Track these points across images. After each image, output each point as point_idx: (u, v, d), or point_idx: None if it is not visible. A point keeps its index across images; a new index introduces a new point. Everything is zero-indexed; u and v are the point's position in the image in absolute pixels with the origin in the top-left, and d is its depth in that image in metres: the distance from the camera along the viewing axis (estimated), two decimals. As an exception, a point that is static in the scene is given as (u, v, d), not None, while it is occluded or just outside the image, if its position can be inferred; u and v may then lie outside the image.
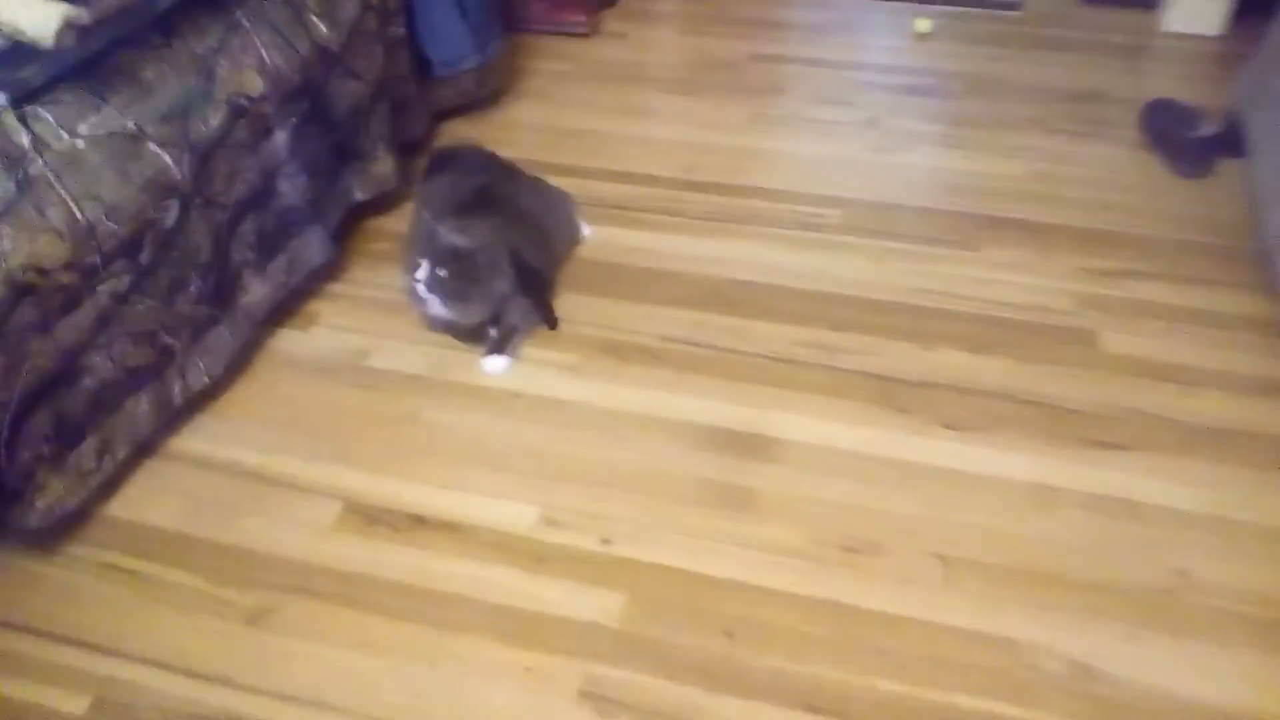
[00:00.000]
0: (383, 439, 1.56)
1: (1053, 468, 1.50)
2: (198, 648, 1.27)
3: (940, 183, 2.19)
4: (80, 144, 1.32)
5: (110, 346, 1.38)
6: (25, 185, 1.25)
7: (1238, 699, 1.20)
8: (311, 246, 1.76)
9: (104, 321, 1.36)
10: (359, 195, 1.93)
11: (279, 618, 1.31)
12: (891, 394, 1.63)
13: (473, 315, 1.67)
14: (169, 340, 1.48)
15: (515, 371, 1.69)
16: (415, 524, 1.43)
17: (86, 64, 1.36)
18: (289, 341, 1.75)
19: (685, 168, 2.25)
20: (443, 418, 1.60)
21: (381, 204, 2.04)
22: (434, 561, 1.37)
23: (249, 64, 1.59)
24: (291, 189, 1.68)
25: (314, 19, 1.74)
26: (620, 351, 1.72)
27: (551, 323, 1.76)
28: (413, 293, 1.66)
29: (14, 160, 1.25)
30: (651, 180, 2.20)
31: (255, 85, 1.59)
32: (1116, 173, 2.21)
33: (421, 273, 1.60)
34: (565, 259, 1.94)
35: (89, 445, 1.39)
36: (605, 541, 1.40)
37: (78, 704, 1.21)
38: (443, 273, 1.60)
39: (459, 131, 2.37)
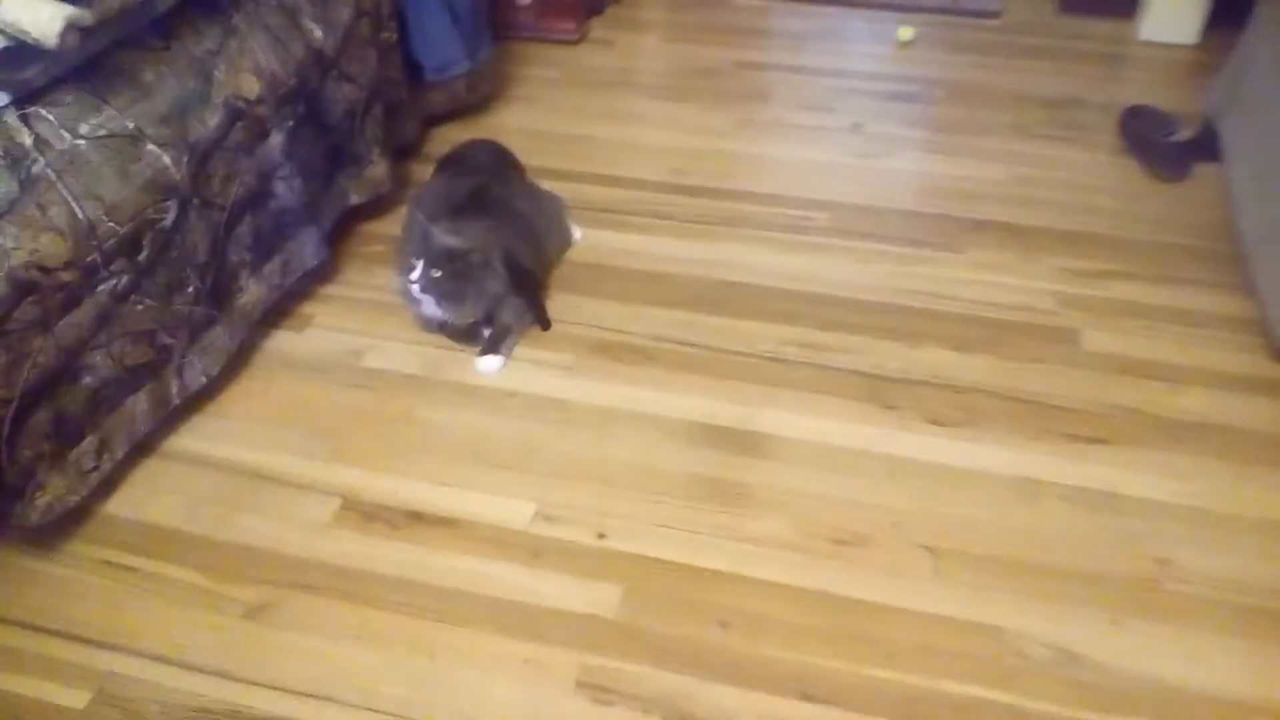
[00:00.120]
0: (379, 437, 1.58)
1: (1037, 461, 1.53)
2: (197, 642, 1.29)
3: (924, 186, 2.23)
4: (81, 144, 1.34)
5: (110, 345, 1.40)
6: (28, 184, 1.26)
7: (1219, 684, 1.23)
8: (307, 248, 1.77)
9: (104, 320, 1.38)
10: (354, 198, 1.95)
11: (278, 612, 1.32)
12: (879, 391, 1.66)
13: (466, 315, 1.69)
14: (167, 339, 1.49)
15: (509, 371, 1.71)
16: (412, 520, 1.45)
17: (87, 65, 1.38)
18: (285, 342, 1.77)
19: (674, 172, 2.28)
20: (438, 416, 1.62)
21: (375, 207, 2.07)
22: (431, 556, 1.39)
23: (246, 67, 1.61)
24: (287, 191, 1.70)
25: (309, 23, 1.76)
26: (612, 351, 1.75)
27: (544, 323, 1.78)
28: (407, 293, 1.68)
29: (16, 160, 1.26)
30: (640, 184, 2.23)
31: (252, 88, 1.61)
32: (1096, 176, 2.26)
33: (416, 273, 1.62)
34: (557, 261, 1.96)
35: (89, 443, 1.40)
36: (600, 536, 1.42)
37: (79, 698, 1.22)
38: (437, 273, 1.62)
39: (450, 136, 2.39)
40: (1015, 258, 1.98)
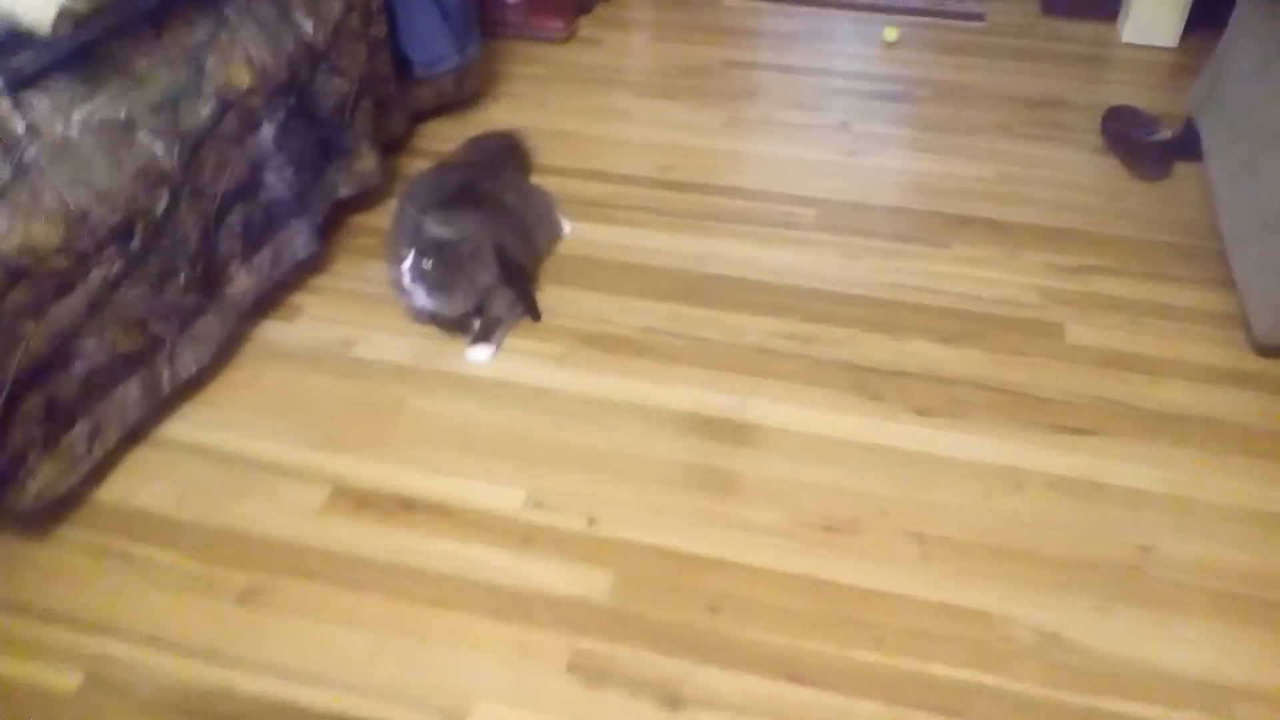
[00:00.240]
0: (369, 426, 1.59)
1: (1021, 451, 1.55)
2: (189, 625, 1.29)
3: (910, 184, 2.26)
4: (74, 132, 1.34)
5: (101, 332, 1.40)
6: (20, 171, 1.27)
7: (1202, 666, 1.25)
8: (297, 239, 1.78)
9: (95, 307, 1.38)
10: (343, 191, 1.96)
11: (270, 597, 1.33)
12: (865, 382, 1.68)
13: (457, 306, 1.70)
14: (158, 328, 1.50)
15: (499, 361, 1.72)
16: (404, 506, 1.45)
17: (80, 53, 1.38)
18: (275, 332, 1.77)
19: (661, 168, 2.29)
20: (429, 405, 1.63)
21: (364, 201, 2.07)
22: (423, 542, 1.40)
23: (237, 58, 1.61)
24: (278, 182, 1.71)
25: (300, 17, 1.77)
26: (602, 342, 1.76)
27: (535, 314, 1.79)
28: (398, 284, 1.69)
29: (9, 146, 1.26)
30: (629, 180, 2.25)
31: (243, 79, 1.61)
32: (1079, 175, 2.29)
33: (407, 263, 1.63)
34: (547, 254, 1.97)
35: (80, 430, 1.40)
36: (591, 522, 1.43)
37: (70, 680, 1.22)
38: (428, 263, 1.63)
39: (438, 131, 2.41)
40: (1000, 253, 2.01)
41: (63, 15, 1.26)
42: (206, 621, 1.29)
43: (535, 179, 2.11)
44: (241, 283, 1.67)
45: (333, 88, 1.87)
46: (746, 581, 1.35)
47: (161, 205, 1.46)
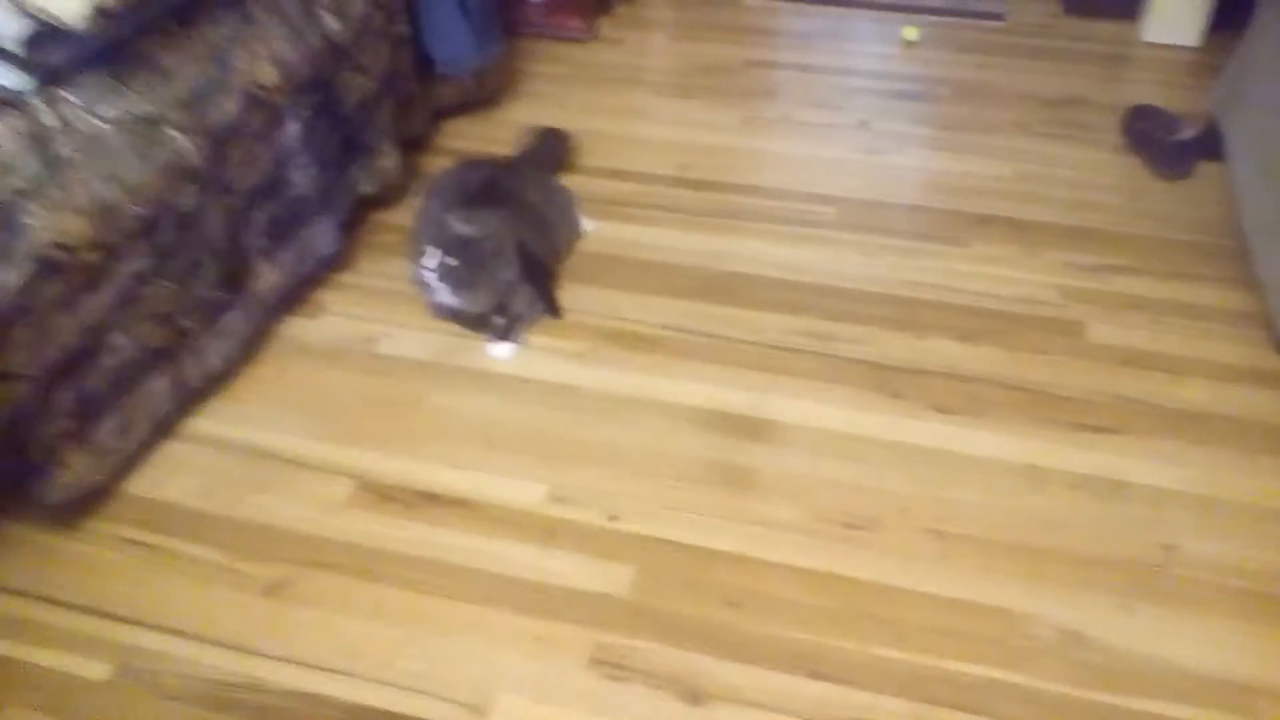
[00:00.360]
0: (393, 421, 1.60)
1: (1043, 449, 1.55)
2: (216, 617, 1.31)
3: (929, 182, 2.26)
4: (104, 127, 1.36)
5: (130, 326, 1.42)
6: (52, 166, 1.28)
7: (1224, 665, 1.25)
8: (321, 236, 1.80)
9: (125, 301, 1.40)
10: (365, 188, 1.97)
11: (295, 589, 1.34)
12: (885, 380, 1.68)
13: (479, 303, 1.71)
14: (186, 322, 1.51)
15: (520, 358, 1.73)
16: (427, 501, 1.46)
17: (109, 50, 1.40)
18: (299, 329, 1.79)
19: (682, 166, 2.30)
20: (451, 401, 1.64)
21: (385, 198, 2.09)
22: (446, 536, 1.41)
23: (263, 55, 1.63)
24: (303, 179, 1.72)
25: (325, 14, 1.79)
26: (623, 339, 1.77)
27: (556, 311, 1.80)
28: (421, 281, 1.70)
29: (42, 141, 1.28)
30: (649, 178, 2.26)
31: (269, 76, 1.63)
32: (1100, 174, 2.28)
33: (430, 260, 1.64)
34: (568, 252, 1.98)
35: (110, 424, 1.42)
36: (612, 518, 1.44)
37: (100, 670, 1.24)
38: (451, 261, 1.64)
39: (459, 130, 2.42)
40: (1020, 252, 2.01)
41: (94, 11, 1.28)
42: (232, 614, 1.31)
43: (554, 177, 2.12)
44: (267, 279, 1.68)
45: (356, 85, 1.89)
46: (767, 577, 1.36)
47: (189, 201, 1.48)
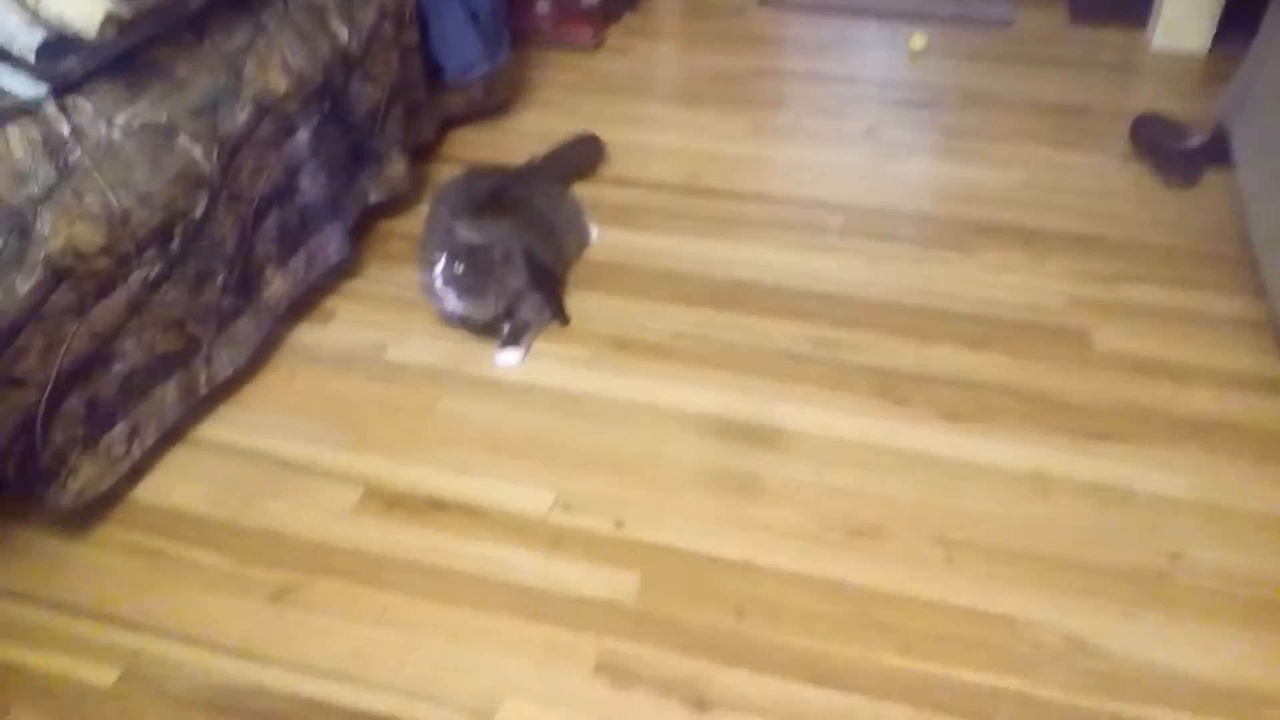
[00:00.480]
0: (401, 428, 1.61)
1: (1049, 457, 1.55)
2: (223, 623, 1.31)
3: (937, 190, 2.26)
4: (117, 135, 1.37)
5: (141, 333, 1.43)
6: (65, 172, 1.30)
7: (1230, 673, 1.25)
8: (330, 243, 1.81)
9: (136, 308, 1.41)
10: (374, 196, 1.98)
11: (302, 595, 1.35)
12: (892, 387, 1.68)
13: (487, 309, 1.72)
14: (196, 329, 1.53)
15: (528, 365, 1.74)
16: (434, 507, 1.47)
17: (123, 59, 1.41)
18: (308, 335, 1.80)
19: (689, 174, 2.31)
20: (459, 408, 1.65)
21: (393, 206, 2.10)
22: (453, 543, 1.42)
23: (275, 64, 1.64)
24: (313, 186, 1.74)
25: (335, 23, 1.80)
26: (630, 346, 1.78)
27: (563, 318, 1.81)
28: (429, 287, 1.71)
29: (55, 148, 1.30)
30: (656, 186, 2.27)
31: (280, 84, 1.64)
32: (1107, 182, 2.28)
33: (439, 267, 1.65)
34: (576, 259, 1.99)
35: (120, 430, 1.43)
36: (619, 524, 1.44)
37: (107, 675, 1.25)
38: (460, 267, 1.65)
39: (468, 138, 2.43)
40: (1026, 259, 2.01)
41: (108, 20, 1.29)
42: (239, 619, 1.32)
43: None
44: (277, 286, 1.70)
45: (365, 94, 1.90)
46: (773, 584, 1.36)
47: (200, 208, 1.49)
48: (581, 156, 2.27)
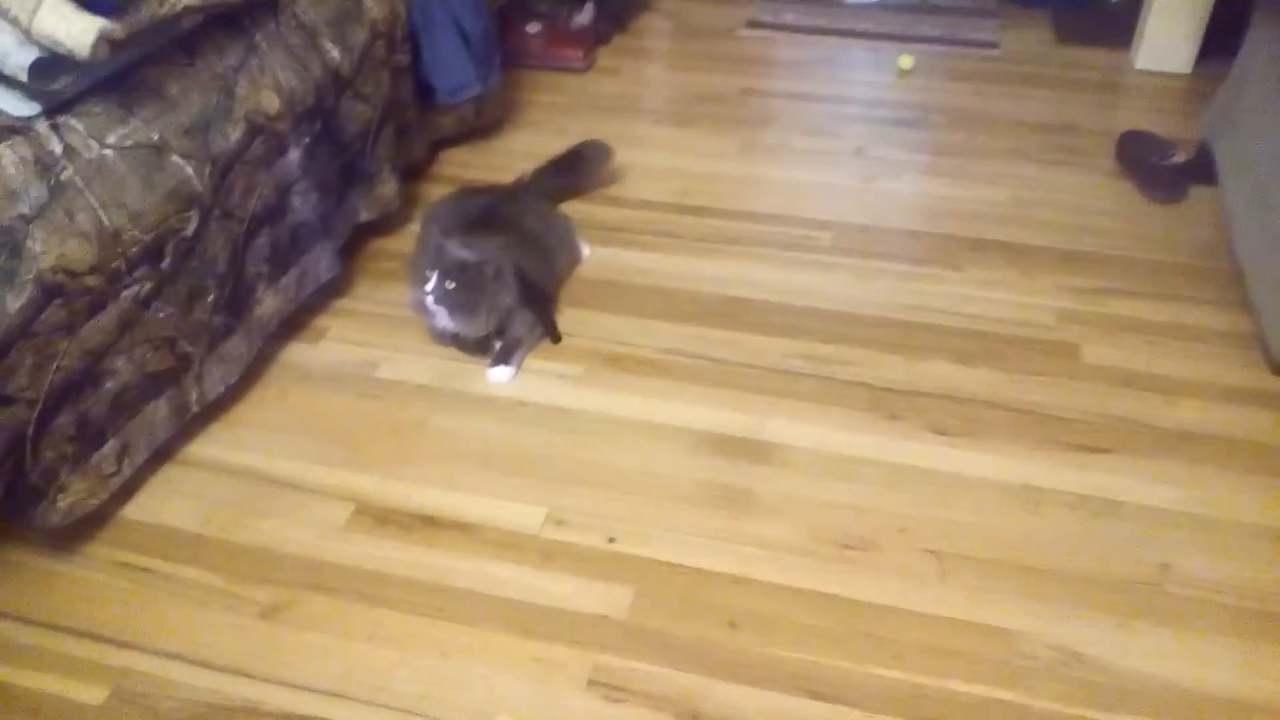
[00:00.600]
0: (392, 445, 1.61)
1: (1039, 470, 1.56)
2: (214, 641, 1.30)
3: (925, 207, 2.28)
4: (108, 153, 1.38)
5: (132, 351, 1.43)
6: (56, 191, 1.30)
7: (1221, 684, 1.25)
8: (321, 262, 1.81)
9: (126, 326, 1.41)
10: (364, 215, 1.99)
11: (293, 612, 1.34)
12: (882, 402, 1.69)
13: (478, 327, 1.72)
14: (187, 347, 1.53)
15: (519, 382, 1.74)
16: (425, 524, 1.47)
17: (115, 78, 1.42)
18: (299, 354, 1.80)
19: (679, 193, 2.32)
20: (450, 425, 1.65)
21: (384, 225, 2.11)
22: (444, 559, 1.41)
23: (266, 84, 1.65)
24: (304, 205, 1.74)
25: (327, 44, 1.81)
26: (621, 363, 1.78)
27: (555, 336, 1.82)
28: (421, 305, 1.72)
29: (46, 167, 1.30)
30: (647, 205, 2.28)
31: (272, 104, 1.65)
32: (1093, 199, 2.30)
33: (431, 284, 1.66)
34: (567, 277, 2.00)
35: (110, 448, 1.42)
36: (610, 540, 1.44)
37: (96, 695, 1.24)
38: (450, 285, 1.66)
39: (459, 158, 2.45)
40: (1015, 275, 2.02)
41: (101, 40, 1.30)
42: (230, 637, 1.31)
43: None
44: (268, 304, 1.70)
45: (356, 114, 1.91)
46: (765, 598, 1.36)
47: (192, 227, 1.50)
48: (588, 159, 2.28)
